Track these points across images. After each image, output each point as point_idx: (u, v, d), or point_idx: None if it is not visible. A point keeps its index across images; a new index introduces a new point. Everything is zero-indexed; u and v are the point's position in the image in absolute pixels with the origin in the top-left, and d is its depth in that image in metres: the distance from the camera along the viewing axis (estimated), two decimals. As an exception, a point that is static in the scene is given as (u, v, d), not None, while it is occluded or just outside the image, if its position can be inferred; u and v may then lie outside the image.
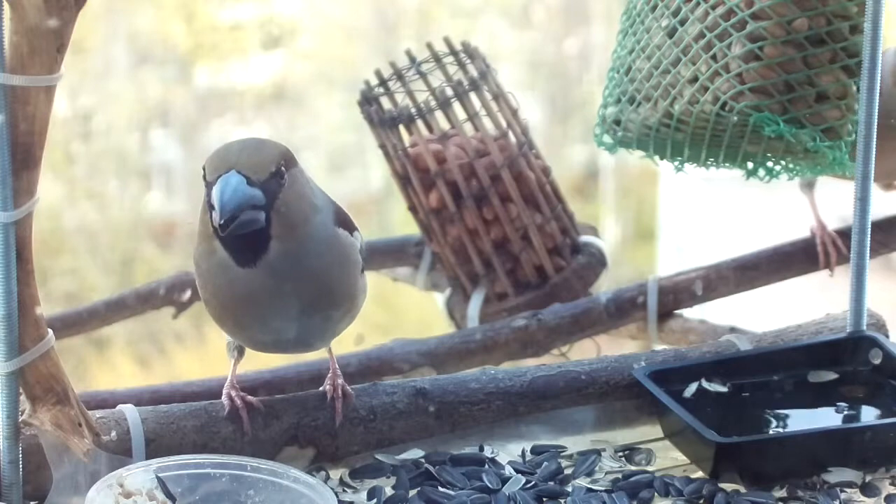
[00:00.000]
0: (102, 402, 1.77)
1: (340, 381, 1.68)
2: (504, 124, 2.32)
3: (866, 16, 1.76)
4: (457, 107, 2.30)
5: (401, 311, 4.67)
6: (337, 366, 1.69)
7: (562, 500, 1.60)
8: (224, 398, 1.64)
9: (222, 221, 1.48)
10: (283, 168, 1.52)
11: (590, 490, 1.61)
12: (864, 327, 1.84)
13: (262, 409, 1.64)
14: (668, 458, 1.70)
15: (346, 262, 1.60)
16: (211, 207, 1.51)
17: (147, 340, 5.14)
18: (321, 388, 1.68)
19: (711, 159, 1.96)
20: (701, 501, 1.60)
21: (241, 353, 1.68)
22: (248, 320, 1.59)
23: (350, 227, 1.63)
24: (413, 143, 2.32)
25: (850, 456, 1.65)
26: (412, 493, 1.59)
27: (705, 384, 1.77)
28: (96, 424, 1.54)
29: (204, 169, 1.53)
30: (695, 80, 1.90)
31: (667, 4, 1.94)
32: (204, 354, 4.79)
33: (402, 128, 2.31)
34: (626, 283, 2.26)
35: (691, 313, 2.26)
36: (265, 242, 1.52)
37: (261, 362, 1.81)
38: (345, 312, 1.62)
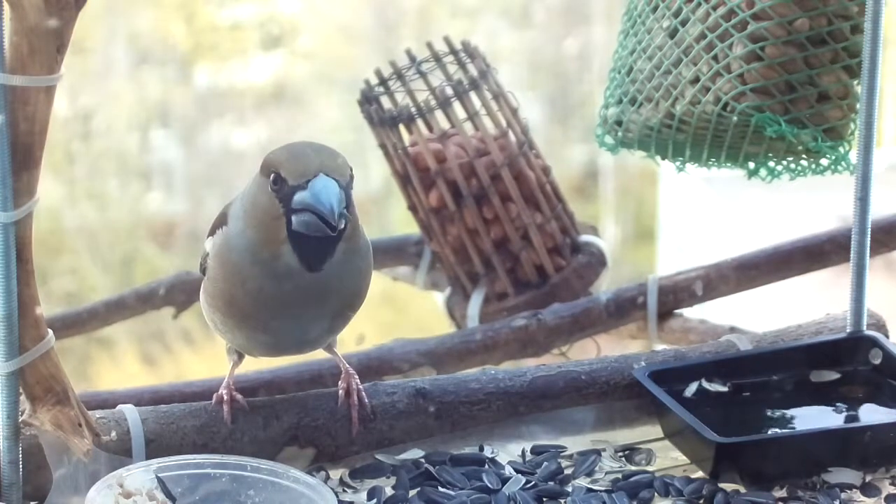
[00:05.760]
0: (103, 402, 1.77)
1: (356, 382, 1.67)
2: (504, 124, 2.32)
3: (866, 16, 1.76)
4: (457, 106, 2.30)
5: (401, 311, 4.67)
6: (348, 365, 1.68)
7: (562, 500, 1.59)
8: (216, 394, 1.64)
9: (341, 224, 1.49)
10: (350, 181, 1.54)
11: (590, 490, 1.61)
12: (864, 327, 1.84)
13: (246, 408, 1.63)
14: (668, 458, 1.70)
15: (371, 265, 1.63)
16: (291, 211, 1.51)
17: (150, 340, 5.14)
18: (338, 389, 1.67)
19: (713, 159, 1.96)
20: (701, 501, 1.60)
21: (240, 356, 1.68)
22: (277, 324, 1.59)
23: None
24: (413, 142, 2.32)
25: (850, 456, 1.65)
26: (412, 493, 1.59)
27: (705, 384, 1.77)
28: (96, 424, 1.54)
29: (276, 173, 1.52)
30: (696, 80, 1.90)
31: (668, 5, 1.94)
32: (207, 353, 4.79)
33: (402, 127, 2.31)
34: (626, 283, 2.26)
35: (691, 313, 2.26)
36: (334, 246, 1.53)
37: (262, 362, 1.81)
38: (356, 313, 1.64)
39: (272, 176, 1.52)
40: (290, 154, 1.53)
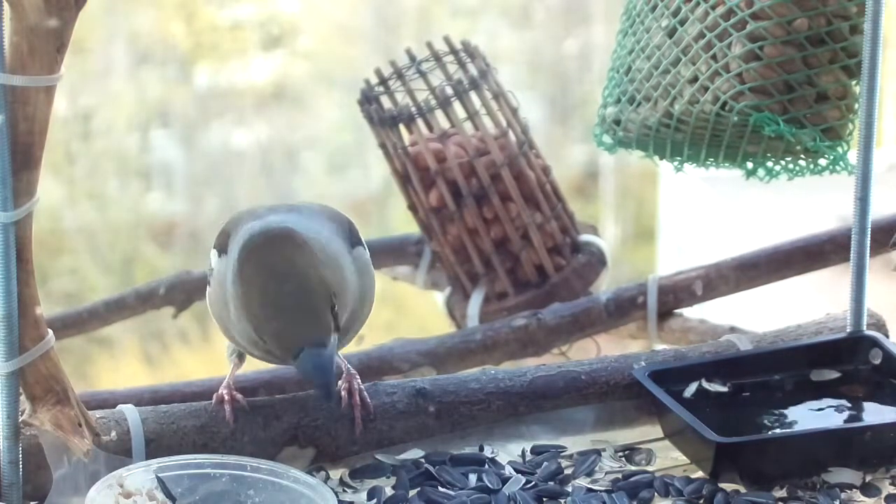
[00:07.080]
0: (102, 402, 1.77)
1: (357, 382, 1.67)
2: (504, 123, 2.32)
3: (866, 16, 1.76)
4: (457, 106, 2.30)
5: (401, 311, 4.67)
6: (348, 364, 1.68)
7: (562, 500, 1.59)
8: (216, 394, 1.64)
9: (334, 401, 1.54)
10: (334, 302, 1.49)
11: (590, 490, 1.61)
12: (864, 327, 1.84)
13: (247, 408, 1.63)
14: (668, 458, 1.70)
15: (372, 283, 1.64)
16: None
17: (150, 340, 5.14)
18: (339, 390, 1.66)
19: (711, 159, 1.96)
20: (701, 501, 1.60)
21: (241, 358, 1.67)
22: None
23: (360, 239, 1.62)
24: (413, 141, 2.32)
25: (850, 456, 1.64)
26: (412, 493, 1.59)
27: (705, 384, 1.77)
28: (96, 424, 1.54)
29: (259, 337, 1.50)
30: (695, 79, 1.90)
31: (666, 4, 1.94)
32: (206, 354, 4.80)
33: (402, 127, 2.32)
34: (626, 283, 2.26)
35: (691, 313, 2.26)
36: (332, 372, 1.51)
37: (262, 362, 1.81)
38: None
39: (254, 334, 1.51)
40: (267, 318, 1.48)
